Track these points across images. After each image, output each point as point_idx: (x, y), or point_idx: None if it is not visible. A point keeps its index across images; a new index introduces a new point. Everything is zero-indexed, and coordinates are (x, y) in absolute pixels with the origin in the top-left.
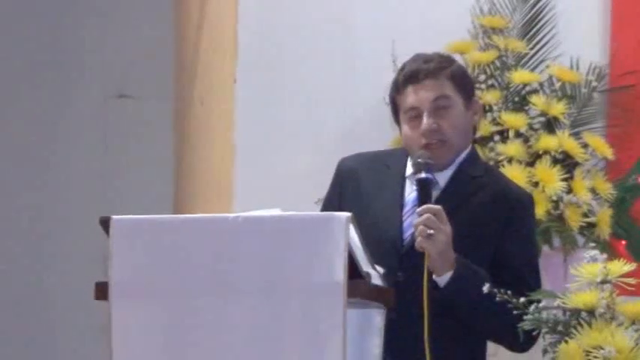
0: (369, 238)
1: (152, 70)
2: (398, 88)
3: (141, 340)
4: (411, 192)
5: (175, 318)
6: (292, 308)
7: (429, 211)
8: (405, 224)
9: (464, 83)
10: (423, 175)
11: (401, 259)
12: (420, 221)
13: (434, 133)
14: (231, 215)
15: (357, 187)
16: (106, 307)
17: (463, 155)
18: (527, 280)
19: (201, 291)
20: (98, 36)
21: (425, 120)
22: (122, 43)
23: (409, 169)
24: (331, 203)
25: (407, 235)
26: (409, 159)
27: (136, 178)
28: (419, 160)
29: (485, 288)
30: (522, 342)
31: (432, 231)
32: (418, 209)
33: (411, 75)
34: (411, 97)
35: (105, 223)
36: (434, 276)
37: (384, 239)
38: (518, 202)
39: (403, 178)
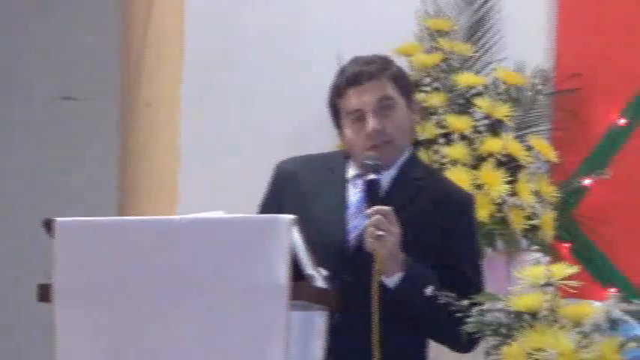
0: (312, 240)
1: (98, 72)
2: (339, 91)
3: (84, 342)
4: (354, 194)
5: (119, 320)
6: (235, 310)
7: (379, 213)
8: (350, 226)
9: (405, 84)
10: (371, 176)
11: (347, 261)
12: (370, 222)
13: (379, 134)
14: (176, 217)
15: (297, 190)
16: (50, 309)
17: (404, 157)
18: (472, 281)
19: (145, 293)
20: (44, 38)
21: (370, 121)
22: (68, 45)
23: (351, 172)
24: (269, 206)
25: (352, 236)
26: (350, 162)
27: (81, 180)
28: (367, 161)
29: (429, 290)
30: (465, 344)
31: (382, 232)
32: (368, 210)
33: (353, 78)
34: (354, 99)
35: (48, 225)
36: (382, 277)
37: (329, 241)
38: (461, 204)
39: (345, 181)
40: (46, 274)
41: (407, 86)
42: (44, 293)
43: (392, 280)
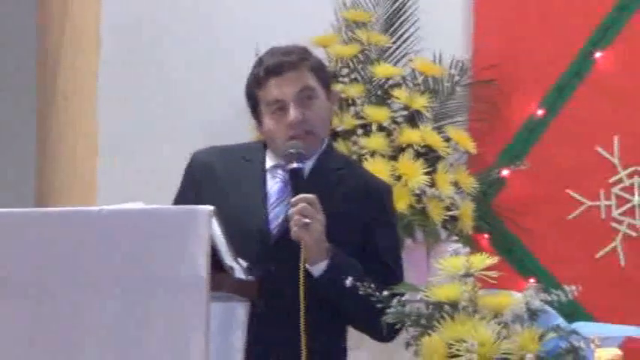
0: (232, 231)
1: (15, 64)
2: (259, 82)
3: (2, 336)
4: (273, 184)
5: (37, 313)
6: (155, 302)
7: (304, 201)
8: (271, 216)
9: (324, 74)
10: (295, 165)
11: (269, 250)
12: (295, 210)
13: (301, 124)
14: (95, 208)
15: (214, 181)
16: None
17: (322, 147)
18: (393, 270)
19: (63, 285)
20: None
21: (292, 112)
22: None
23: (269, 162)
24: (185, 196)
25: (274, 226)
26: (268, 152)
27: None
28: (290, 150)
29: (349, 281)
30: (386, 333)
31: (308, 220)
32: (292, 199)
33: (273, 68)
34: (275, 90)
35: None
36: (307, 266)
37: (250, 232)
38: (380, 194)
39: (263, 171)
40: None
41: (326, 77)
42: None
43: (317, 269)
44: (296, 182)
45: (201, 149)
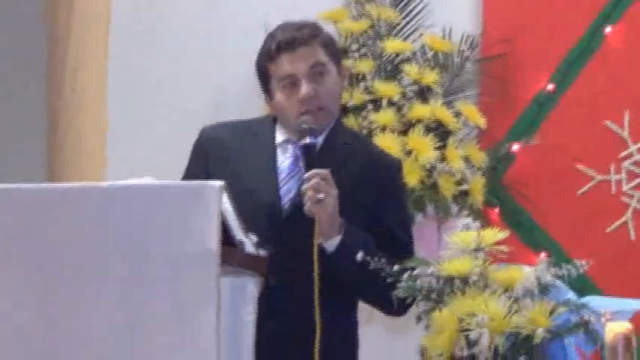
0: (243, 206)
1: (25, 41)
2: (271, 56)
3: (9, 310)
4: (284, 159)
5: (44, 289)
6: (165, 277)
7: (318, 176)
8: (282, 191)
9: (335, 50)
10: (307, 140)
11: (280, 225)
12: (309, 186)
13: (312, 99)
14: (104, 184)
15: (223, 156)
16: None
17: (332, 122)
18: (404, 245)
19: (71, 261)
20: None
21: (303, 87)
22: None
23: (279, 137)
24: (194, 172)
25: (285, 201)
26: (278, 127)
27: (9, 149)
28: (303, 126)
29: (360, 256)
30: (398, 308)
31: (321, 195)
32: (306, 174)
33: (285, 43)
34: (287, 65)
35: None
36: (321, 241)
37: (261, 207)
38: (390, 169)
39: (274, 146)
40: None
41: (337, 52)
42: None
43: (330, 244)
44: (309, 158)
45: (210, 125)
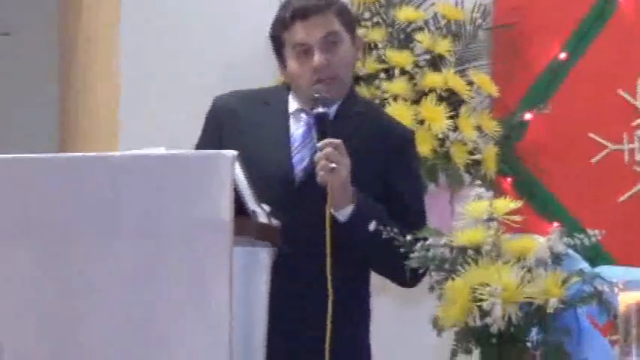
0: (255, 175)
1: (36, 8)
2: (285, 24)
3: (19, 282)
4: (297, 128)
5: (55, 259)
6: (177, 247)
7: (331, 145)
8: (295, 159)
9: (349, 19)
10: (320, 109)
11: (294, 194)
12: (322, 155)
13: (325, 69)
14: (116, 153)
15: (237, 125)
16: None
17: (345, 91)
18: (417, 214)
19: (83, 231)
20: None
21: (316, 56)
22: None
23: (292, 105)
24: (208, 141)
25: (298, 170)
26: (291, 95)
27: (21, 116)
28: (316, 95)
29: (372, 225)
30: (410, 278)
31: (334, 164)
32: (319, 143)
33: (299, 11)
34: (300, 33)
35: None
36: (333, 210)
37: (274, 176)
38: (402, 138)
39: (287, 115)
40: None
41: (351, 22)
42: None
43: (343, 214)
44: (322, 127)
45: (222, 94)
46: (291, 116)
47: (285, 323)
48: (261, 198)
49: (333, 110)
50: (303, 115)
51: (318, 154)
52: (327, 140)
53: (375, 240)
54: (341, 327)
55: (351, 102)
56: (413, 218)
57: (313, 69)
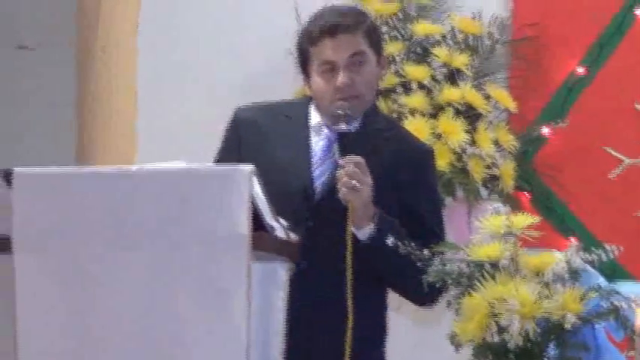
0: (276, 188)
1: (53, 18)
2: (313, 39)
3: (44, 294)
4: (318, 142)
5: (78, 271)
6: (195, 262)
7: (353, 163)
8: (315, 174)
9: (377, 39)
10: (343, 126)
11: (312, 209)
12: (344, 172)
13: (349, 88)
14: (135, 168)
15: (258, 138)
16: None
17: (367, 108)
18: (436, 234)
19: (104, 245)
20: None
21: (341, 76)
22: None
23: (314, 120)
24: (228, 153)
25: (318, 184)
26: (313, 109)
27: (39, 129)
28: (339, 111)
29: (390, 241)
30: (427, 294)
31: (356, 182)
32: (341, 161)
33: (328, 28)
34: (328, 50)
35: (7, 175)
36: (353, 229)
37: (294, 190)
38: (422, 157)
39: (307, 129)
40: (6, 226)
41: (379, 42)
42: (4, 245)
43: (363, 232)
44: (344, 144)
45: (244, 106)
46: (312, 130)
47: (302, 339)
48: (279, 211)
49: (354, 126)
50: (325, 129)
51: (340, 172)
52: (350, 158)
53: (394, 259)
54: (358, 344)
55: (373, 118)
56: (431, 237)
57: (336, 88)
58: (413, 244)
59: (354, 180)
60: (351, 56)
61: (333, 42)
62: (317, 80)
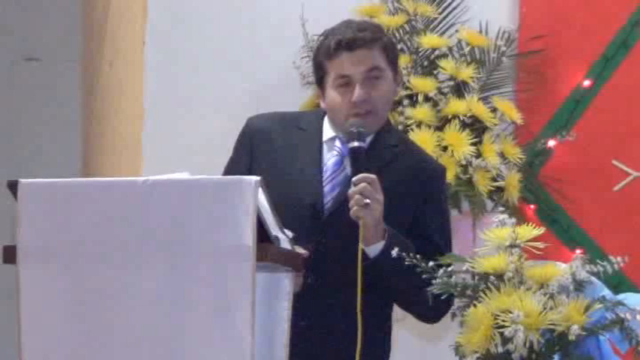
0: (285, 200)
1: (61, 32)
2: (329, 53)
3: (49, 304)
4: (330, 157)
5: (83, 282)
6: (200, 272)
7: (365, 181)
8: (326, 189)
9: (394, 56)
10: (356, 143)
11: (321, 224)
12: (356, 190)
13: (364, 103)
14: (140, 179)
15: (269, 148)
16: (13, 271)
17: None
18: (445, 252)
19: (110, 255)
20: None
21: (357, 91)
22: (30, 6)
23: (327, 133)
24: (239, 163)
25: (328, 200)
26: (326, 122)
27: (45, 141)
28: (352, 129)
29: (394, 252)
30: (433, 308)
31: (368, 200)
32: (354, 178)
33: (345, 43)
34: (345, 65)
35: (13, 186)
36: (363, 246)
37: (304, 203)
38: (434, 176)
39: (320, 143)
40: (12, 236)
41: (395, 58)
42: (9, 255)
43: (373, 249)
44: (357, 161)
45: (256, 115)
46: (324, 144)
47: (308, 352)
48: (288, 223)
49: (367, 141)
50: (337, 144)
51: (353, 189)
52: (362, 175)
53: (403, 276)
54: (362, 357)
55: (386, 134)
56: (438, 254)
57: (352, 102)
58: (419, 256)
59: (366, 197)
60: (368, 71)
61: (350, 56)
62: (332, 94)
